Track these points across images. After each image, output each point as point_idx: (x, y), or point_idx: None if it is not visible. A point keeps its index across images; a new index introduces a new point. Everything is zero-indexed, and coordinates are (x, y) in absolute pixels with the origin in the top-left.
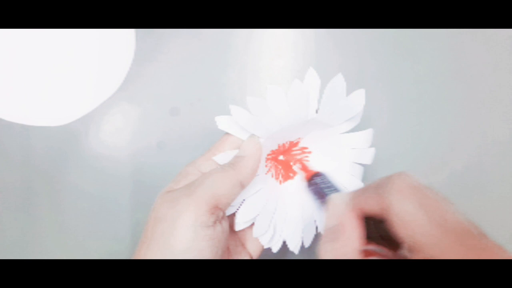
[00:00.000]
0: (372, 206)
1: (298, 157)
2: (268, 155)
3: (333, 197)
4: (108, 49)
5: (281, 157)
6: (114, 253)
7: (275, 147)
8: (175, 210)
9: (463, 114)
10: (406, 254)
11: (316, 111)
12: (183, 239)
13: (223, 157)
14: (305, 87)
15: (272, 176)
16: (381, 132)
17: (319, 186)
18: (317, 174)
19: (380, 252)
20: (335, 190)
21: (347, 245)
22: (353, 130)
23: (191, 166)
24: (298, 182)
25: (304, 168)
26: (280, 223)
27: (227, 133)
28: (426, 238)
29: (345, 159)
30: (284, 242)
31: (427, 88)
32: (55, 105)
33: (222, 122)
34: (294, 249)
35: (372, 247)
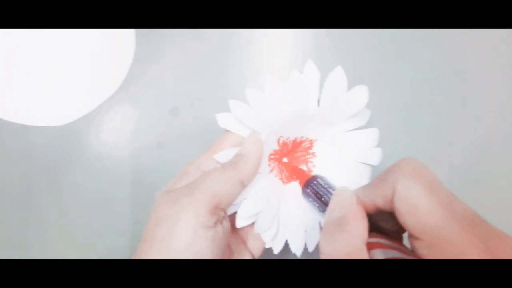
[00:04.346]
0: (379, 196)
1: (302, 159)
2: (271, 154)
3: (338, 190)
4: (108, 49)
5: (284, 159)
6: (115, 251)
7: (277, 146)
8: (175, 210)
9: (461, 113)
10: (410, 243)
11: (318, 105)
12: (183, 240)
13: (223, 155)
14: (304, 78)
15: (275, 176)
16: (381, 132)
17: (314, 189)
18: (312, 179)
19: (384, 243)
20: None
21: (353, 236)
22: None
23: (192, 165)
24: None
25: (300, 173)
26: (282, 222)
27: (227, 131)
28: (433, 221)
29: (350, 159)
30: (286, 245)
31: (426, 87)
32: (56, 105)
33: (223, 120)
34: (297, 251)
35: (375, 239)
